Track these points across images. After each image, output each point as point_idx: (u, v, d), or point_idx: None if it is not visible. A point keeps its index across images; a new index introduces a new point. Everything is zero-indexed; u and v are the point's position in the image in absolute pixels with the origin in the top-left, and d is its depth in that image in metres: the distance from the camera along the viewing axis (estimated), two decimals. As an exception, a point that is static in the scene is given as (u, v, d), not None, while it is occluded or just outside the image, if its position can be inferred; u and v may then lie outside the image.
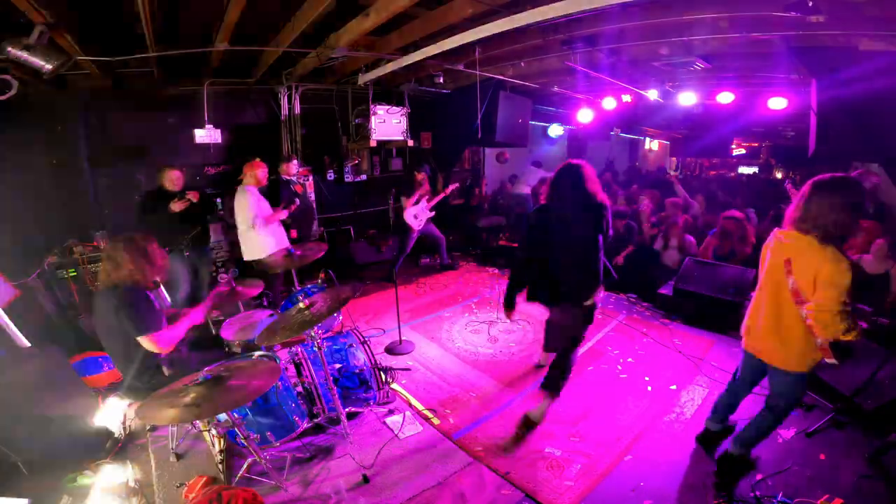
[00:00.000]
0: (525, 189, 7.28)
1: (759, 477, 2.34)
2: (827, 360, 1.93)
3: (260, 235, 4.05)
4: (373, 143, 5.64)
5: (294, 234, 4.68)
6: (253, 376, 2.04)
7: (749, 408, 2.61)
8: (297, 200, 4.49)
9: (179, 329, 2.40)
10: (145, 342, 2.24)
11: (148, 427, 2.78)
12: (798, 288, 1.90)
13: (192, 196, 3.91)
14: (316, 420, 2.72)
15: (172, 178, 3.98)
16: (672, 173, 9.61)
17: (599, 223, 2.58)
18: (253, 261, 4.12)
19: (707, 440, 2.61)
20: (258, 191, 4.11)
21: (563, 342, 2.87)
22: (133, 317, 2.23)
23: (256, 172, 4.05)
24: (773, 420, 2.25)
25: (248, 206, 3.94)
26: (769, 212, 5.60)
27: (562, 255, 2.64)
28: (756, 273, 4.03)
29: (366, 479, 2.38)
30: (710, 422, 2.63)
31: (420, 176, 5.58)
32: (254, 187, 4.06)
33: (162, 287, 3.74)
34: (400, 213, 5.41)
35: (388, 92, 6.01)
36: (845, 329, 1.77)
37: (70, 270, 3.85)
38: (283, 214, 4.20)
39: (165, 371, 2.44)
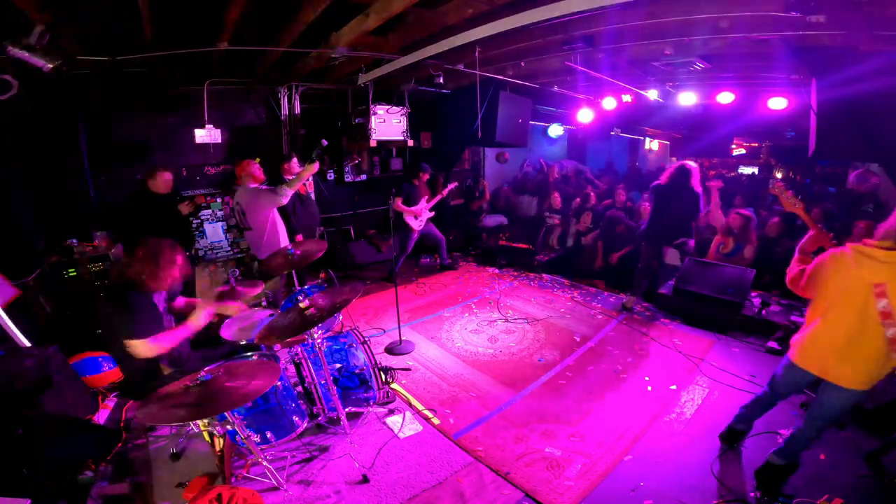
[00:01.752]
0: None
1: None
2: None
3: (279, 229, 4.01)
4: (373, 143, 5.63)
5: (300, 238, 4.66)
6: (253, 376, 2.04)
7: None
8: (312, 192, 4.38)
9: (172, 337, 2.39)
10: (135, 344, 2.25)
11: (148, 427, 2.78)
12: (891, 311, 1.83)
13: (198, 199, 3.89)
14: (316, 420, 2.72)
15: (165, 181, 3.94)
16: None
17: (691, 202, 4.23)
18: (260, 260, 4.06)
19: (730, 439, 2.60)
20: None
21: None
22: (130, 319, 2.25)
23: (251, 171, 3.99)
24: (815, 433, 2.21)
25: (269, 200, 3.86)
26: (762, 212, 5.65)
27: (667, 217, 4.37)
28: (756, 274, 4.11)
29: (366, 479, 2.38)
30: (736, 423, 2.60)
31: (425, 176, 5.56)
32: (256, 184, 4.03)
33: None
34: (399, 214, 5.41)
35: (388, 92, 6.01)
36: None
37: (70, 270, 3.85)
38: (315, 167, 3.93)
39: (165, 371, 2.44)
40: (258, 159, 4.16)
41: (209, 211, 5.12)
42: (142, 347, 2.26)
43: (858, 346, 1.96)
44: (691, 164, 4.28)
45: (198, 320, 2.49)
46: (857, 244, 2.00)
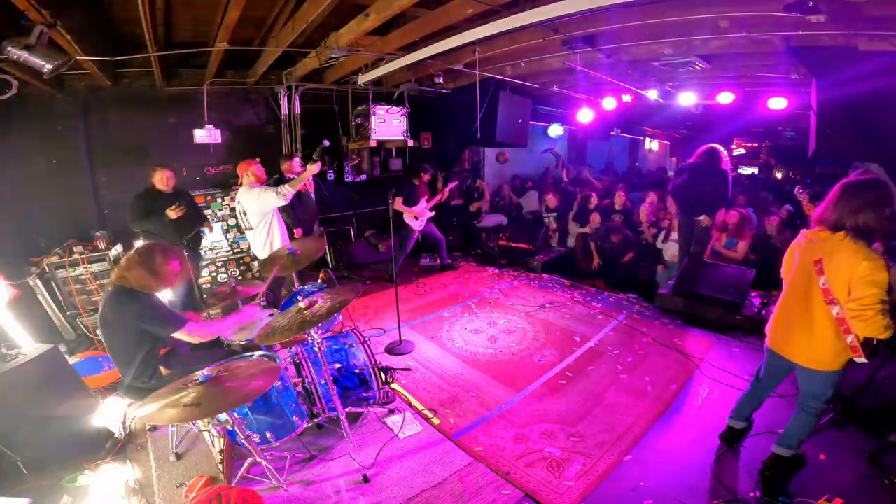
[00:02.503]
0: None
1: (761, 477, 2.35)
2: (856, 359, 1.95)
3: (280, 229, 4.03)
4: (373, 143, 5.63)
5: (299, 232, 4.65)
6: (253, 376, 2.04)
7: (770, 407, 2.62)
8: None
9: (218, 325, 2.50)
10: (181, 335, 2.33)
11: (148, 427, 2.78)
12: (829, 288, 1.92)
13: (180, 210, 3.87)
14: (316, 420, 2.72)
15: (164, 178, 3.93)
16: (671, 174, 9.62)
17: (720, 180, 4.40)
18: (264, 260, 4.07)
19: (730, 438, 2.61)
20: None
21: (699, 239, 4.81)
22: (160, 319, 2.31)
23: (253, 170, 4.00)
24: (809, 419, 2.23)
25: (269, 200, 3.85)
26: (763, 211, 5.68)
27: (697, 191, 4.51)
28: (755, 273, 4.12)
29: (366, 479, 2.38)
30: (732, 420, 2.62)
31: (426, 176, 5.55)
32: (258, 185, 4.03)
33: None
34: (399, 214, 5.41)
35: (388, 92, 6.01)
36: (885, 326, 1.79)
37: (70, 270, 3.85)
38: (317, 168, 4.00)
39: (164, 371, 2.44)
40: (258, 159, 4.17)
41: (209, 211, 5.12)
42: (185, 336, 2.34)
43: (810, 326, 2.04)
44: (719, 147, 4.46)
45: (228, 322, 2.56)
46: (806, 229, 2.13)
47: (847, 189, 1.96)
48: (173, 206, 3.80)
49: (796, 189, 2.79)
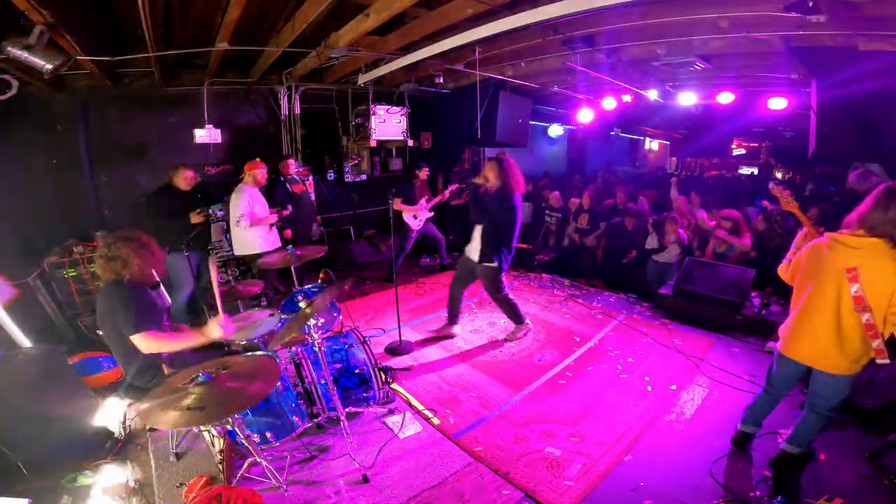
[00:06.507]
0: None
1: (760, 476, 2.35)
2: (879, 361, 1.94)
3: (246, 233, 4.19)
4: (373, 143, 5.64)
5: (288, 233, 4.69)
6: (253, 378, 2.03)
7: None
8: (290, 207, 4.63)
9: (179, 340, 2.29)
10: (137, 339, 2.16)
11: (148, 427, 2.77)
12: (863, 295, 1.88)
13: (202, 216, 3.97)
14: (316, 420, 2.72)
15: (186, 178, 3.96)
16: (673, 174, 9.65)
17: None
18: (246, 257, 4.35)
19: (742, 442, 2.59)
20: (258, 190, 4.26)
21: None
22: (129, 313, 2.17)
23: (255, 172, 4.18)
24: (820, 420, 2.23)
25: (238, 204, 4.10)
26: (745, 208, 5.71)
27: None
28: (755, 273, 4.11)
29: (366, 479, 2.38)
30: (744, 425, 2.60)
31: (423, 173, 5.55)
32: (252, 187, 4.19)
33: (162, 287, 3.67)
34: (399, 213, 5.41)
35: (388, 92, 6.01)
36: None
37: (70, 270, 3.85)
38: (273, 218, 4.32)
39: (166, 371, 2.43)
40: (257, 160, 4.25)
41: (209, 211, 5.13)
42: (141, 341, 2.17)
43: (837, 332, 2.01)
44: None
45: (211, 332, 2.29)
46: (832, 233, 2.06)
47: (892, 194, 1.87)
48: (197, 211, 3.87)
49: (770, 184, 2.61)
